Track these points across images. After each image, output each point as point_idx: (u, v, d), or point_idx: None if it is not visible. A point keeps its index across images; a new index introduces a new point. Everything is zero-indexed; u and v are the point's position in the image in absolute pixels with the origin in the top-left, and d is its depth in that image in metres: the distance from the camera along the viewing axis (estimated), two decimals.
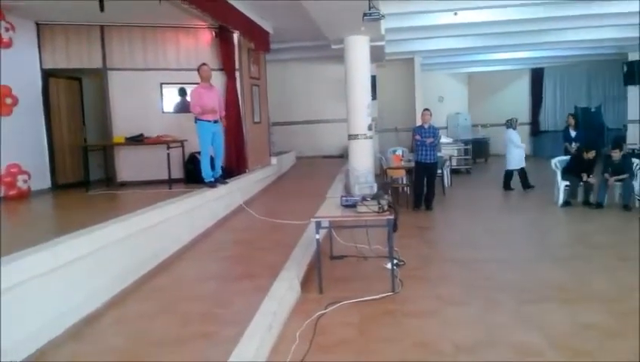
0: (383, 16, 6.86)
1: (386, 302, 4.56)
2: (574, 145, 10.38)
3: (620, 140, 10.67)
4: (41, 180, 8.11)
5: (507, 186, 10.97)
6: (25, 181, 7.59)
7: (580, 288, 4.80)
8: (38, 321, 3.42)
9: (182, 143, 8.41)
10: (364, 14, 6.63)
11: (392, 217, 4.78)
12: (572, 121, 10.87)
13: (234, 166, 8.86)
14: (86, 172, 8.35)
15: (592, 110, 17.44)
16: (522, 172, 10.92)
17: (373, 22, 7.35)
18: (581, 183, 8.96)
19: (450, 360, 3.48)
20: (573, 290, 4.74)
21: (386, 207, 4.81)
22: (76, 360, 3.24)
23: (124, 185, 8.61)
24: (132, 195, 7.65)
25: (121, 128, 8.61)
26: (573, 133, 10.73)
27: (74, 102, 9.15)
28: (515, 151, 10.87)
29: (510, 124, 11.13)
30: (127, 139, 8.35)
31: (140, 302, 4.22)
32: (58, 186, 8.44)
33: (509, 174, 11.00)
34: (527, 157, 11.14)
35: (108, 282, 4.31)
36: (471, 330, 3.93)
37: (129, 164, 8.77)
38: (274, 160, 11.11)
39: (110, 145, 8.63)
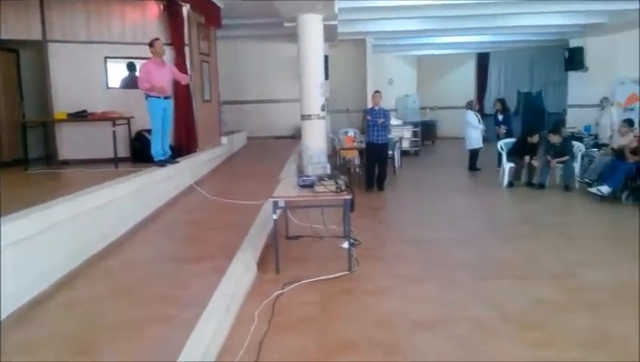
0: None
1: (343, 281, 4.59)
2: (503, 128, 10.89)
3: (558, 124, 11.20)
4: None
5: (472, 167, 11.25)
6: None
7: (529, 265, 5.00)
8: None
9: (128, 120, 8.06)
10: None
11: (349, 197, 4.79)
12: (499, 106, 11.41)
13: (183, 145, 8.60)
14: (25, 150, 7.87)
15: (534, 95, 18.14)
16: (475, 152, 11.26)
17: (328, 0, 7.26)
18: (525, 165, 9.31)
19: (410, 336, 3.54)
20: (524, 268, 4.93)
21: (343, 187, 4.81)
22: (24, 345, 3.05)
23: (66, 163, 8.19)
24: (76, 174, 7.29)
25: (63, 103, 8.15)
26: (500, 117, 11.22)
27: (11, 75, 8.56)
28: (472, 131, 11.18)
29: (469, 105, 11.47)
30: (69, 115, 7.92)
31: (89, 284, 4.03)
32: None
33: (472, 154, 11.28)
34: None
35: (54, 264, 4.08)
36: (429, 307, 4.02)
37: (71, 142, 8.34)
38: (224, 139, 10.88)
39: (51, 121, 8.17)
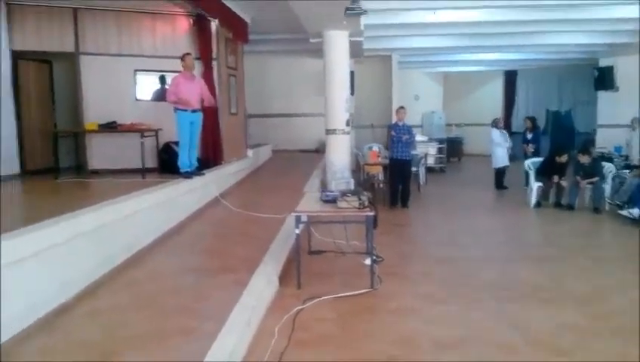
0: (365, 11, 6.83)
1: (365, 299, 4.54)
2: (531, 147, 10.72)
3: (588, 144, 10.97)
4: (9, 165, 7.77)
5: (498, 185, 11.09)
6: None
7: (555, 288, 4.88)
8: (7, 312, 3.25)
9: (156, 132, 8.20)
10: (347, 9, 6.59)
11: (372, 213, 4.76)
12: (529, 124, 11.23)
13: (210, 157, 8.70)
14: (56, 158, 8.07)
15: (563, 113, 17.84)
16: (500, 171, 11.10)
17: (354, 17, 7.30)
18: (553, 185, 9.12)
19: (431, 357, 3.47)
20: (550, 290, 4.81)
21: (366, 203, 4.78)
22: (47, 353, 3.09)
23: (95, 173, 8.35)
24: (104, 184, 7.43)
25: (93, 114, 8.35)
26: (529, 136, 11.04)
27: (44, 86, 8.82)
28: (498, 149, 11.03)
29: (494, 123, 11.34)
30: (99, 125, 8.11)
31: (113, 294, 4.08)
32: (27, 172, 8.13)
33: (497, 173, 11.13)
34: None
35: (80, 273, 4.14)
36: (452, 328, 3.94)
37: (101, 152, 8.51)
38: (250, 152, 10.97)
39: (82, 131, 8.36)
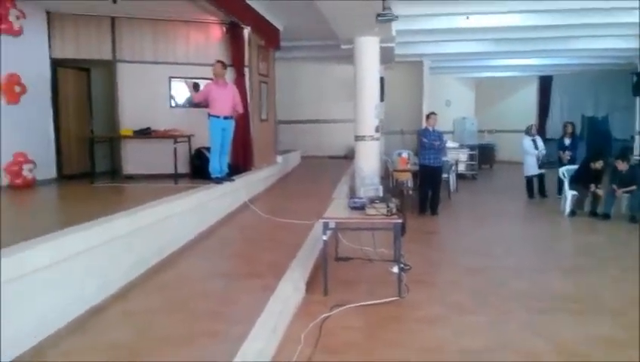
0: (396, 17, 6.82)
1: (392, 307, 4.52)
2: (567, 154, 10.42)
3: (626, 151, 10.62)
4: (47, 170, 8.07)
5: (529, 194, 10.85)
6: (30, 170, 7.55)
7: (588, 299, 4.76)
8: (43, 312, 3.38)
9: (189, 138, 8.37)
10: (378, 15, 6.60)
11: (400, 221, 4.74)
12: (570, 129, 10.86)
13: (240, 163, 8.82)
14: (92, 163, 8.32)
15: (599, 119, 17.38)
16: (529, 179, 10.87)
17: (386, 23, 7.30)
18: (589, 194, 8.89)
19: None
20: (582, 301, 4.70)
21: (394, 210, 4.77)
22: (78, 353, 3.19)
23: (130, 178, 8.57)
24: (138, 189, 7.62)
25: (129, 121, 8.59)
26: (567, 142, 10.74)
27: (82, 93, 9.12)
28: (528, 157, 10.81)
29: (527, 130, 11.08)
30: (134, 132, 8.32)
31: (145, 296, 4.18)
32: (63, 177, 8.41)
33: (528, 181, 10.90)
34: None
35: (113, 276, 4.27)
36: (480, 338, 3.89)
37: (135, 157, 8.74)
38: (279, 158, 11.07)
39: (117, 137, 8.60)
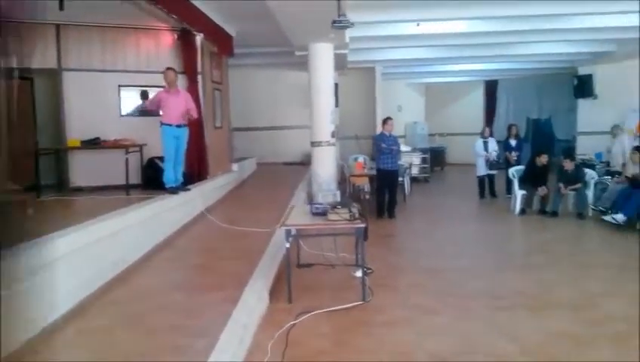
0: (352, 24, 6.84)
1: (357, 311, 4.51)
2: (514, 154, 10.81)
3: (570, 151, 11.12)
4: None
5: (481, 194, 11.15)
6: None
7: (546, 296, 4.90)
8: None
9: (141, 148, 8.12)
10: (334, 22, 6.60)
11: (363, 225, 4.75)
12: (513, 131, 11.30)
13: (195, 172, 8.62)
14: (37, 176, 7.92)
15: (543, 121, 18.11)
16: (481, 179, 11.18)
17: (341, 30, 7.33)
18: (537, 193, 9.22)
19: None
20: (540, 298, 4.84)
21: (357, 215, 4.77)
22: None
23: (78, 190, 8.21)
24: (88, 201, 7.32)
25: (76, 131, 8.24)
26: (513, 143, 11.15)
27: (25, 102, 8.67)
28: (478, 159, 11.14)
29: (481, 133, 11.45)
30: (82, 142, 8.00)
31: (100, 314, 3.99)
32: (6, 192, 7.95)
33: (479, 181, 11.20)
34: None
35: (66, 293, 4.05)
36: (446, 340, 3.92)
37: (84, 169, 8.38)
38: (235, 166, 10.90)
39: (64, 148, 8.24)
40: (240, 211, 8.25)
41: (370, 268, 5.64)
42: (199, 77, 8.82)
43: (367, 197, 10.34)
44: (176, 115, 6.93)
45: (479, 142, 11.24)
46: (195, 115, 7.36)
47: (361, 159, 11.70)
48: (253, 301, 4.32)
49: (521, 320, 4.29)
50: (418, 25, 9.78)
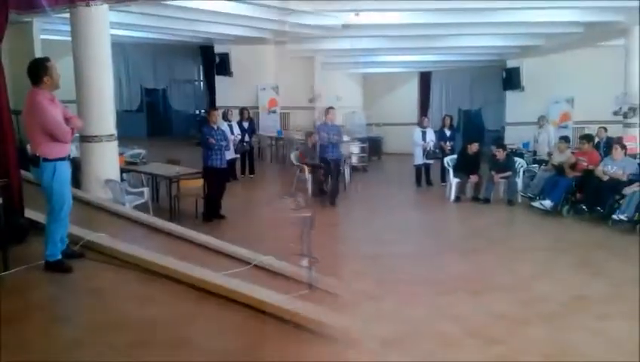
0: None
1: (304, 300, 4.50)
2: (449, 144, 11.23)
3: (500, 141, 11.66)
4: None
5: (417, 183, 11.44)
6: None
7: (484, 279, 5.13)
8: None
9: None
10: None
11: (309, 214, 4.74)
12: (447, 122, 11.74)
13: None
14: None
15: (473, 112, 18.85)
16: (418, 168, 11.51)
17: None
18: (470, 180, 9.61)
19: (380, 356, 3.50)
20: (479, 281, 5.05)
21: (303, 205, 4.76)
22: None
23: None
24: None
25: None
26: (447, 133, 11.58)
27: None
28: (415, 148, 11.43)
29: (418, 123, 11.77)
30: None
31: None
32: None
33: (416, 170, 11.50)
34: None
35: None
36: (393, 324, 4.01)
37: None
38: None
39: None
40: None
41: (315, 257, 5.65)
42: None
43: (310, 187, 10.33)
44: None
45: (417, 131, 11.53)
46: None
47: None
48: None
49: (462, 302, 4.46)
50: (357, 15, 9.90)
